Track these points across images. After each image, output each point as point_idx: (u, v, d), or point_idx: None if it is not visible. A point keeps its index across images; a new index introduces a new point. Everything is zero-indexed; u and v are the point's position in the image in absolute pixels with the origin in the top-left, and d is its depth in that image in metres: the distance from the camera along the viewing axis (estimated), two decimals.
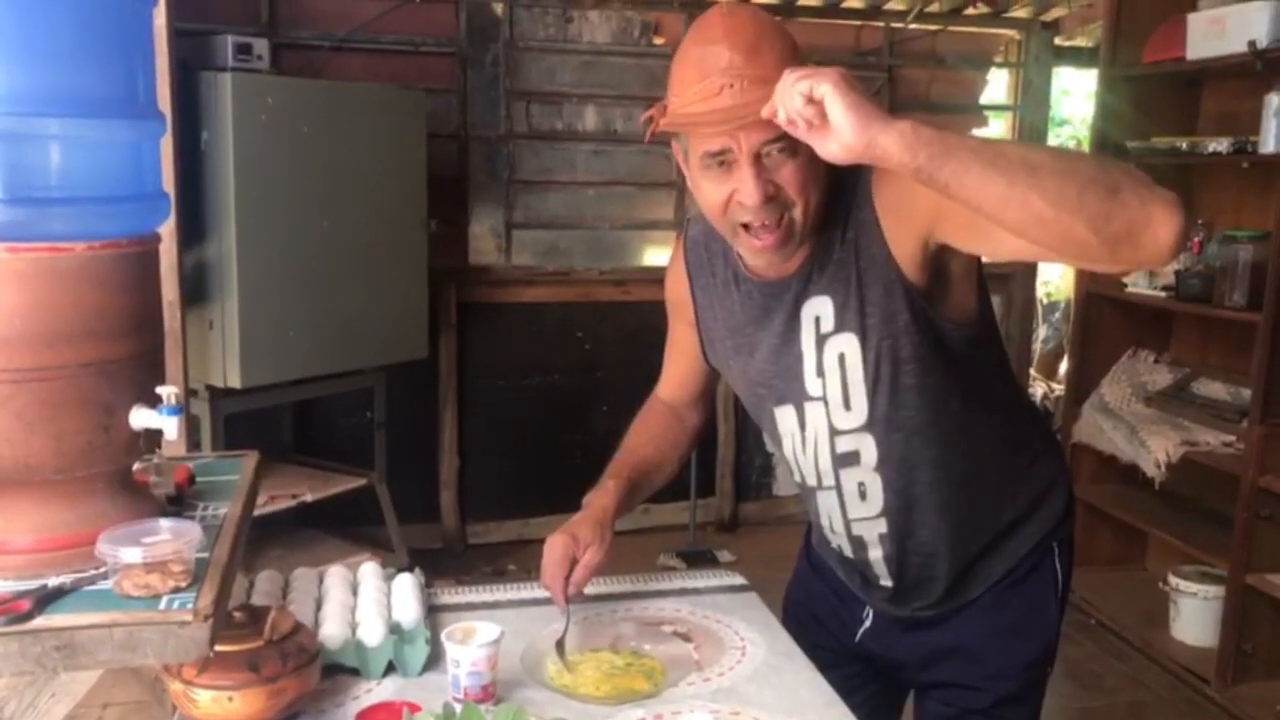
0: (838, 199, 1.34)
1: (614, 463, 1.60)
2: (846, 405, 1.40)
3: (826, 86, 1.06)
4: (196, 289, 3.16)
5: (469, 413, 4.32)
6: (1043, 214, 1.05)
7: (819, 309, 1.38)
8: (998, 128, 5.09)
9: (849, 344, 1.36)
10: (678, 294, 1.58)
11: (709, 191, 1.30)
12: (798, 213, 1.29)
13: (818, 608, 1.66)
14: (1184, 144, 3.46)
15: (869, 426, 1.40)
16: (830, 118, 1.07)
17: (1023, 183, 1.05)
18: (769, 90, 1.13)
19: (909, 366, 1.35)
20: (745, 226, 1.30)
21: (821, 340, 1.38)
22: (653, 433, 1.66)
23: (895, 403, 1.37)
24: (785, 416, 1.47)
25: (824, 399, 1.41)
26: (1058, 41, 4.85)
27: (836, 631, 1.62)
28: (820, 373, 1.40)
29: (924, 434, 1.39)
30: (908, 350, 1.34)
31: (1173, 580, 3.43)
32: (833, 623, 1.63)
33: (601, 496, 1.53)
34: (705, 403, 1.71)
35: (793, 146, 1.23)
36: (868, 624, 1.59)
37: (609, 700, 1.34)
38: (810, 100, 1.08)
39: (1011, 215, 1.07)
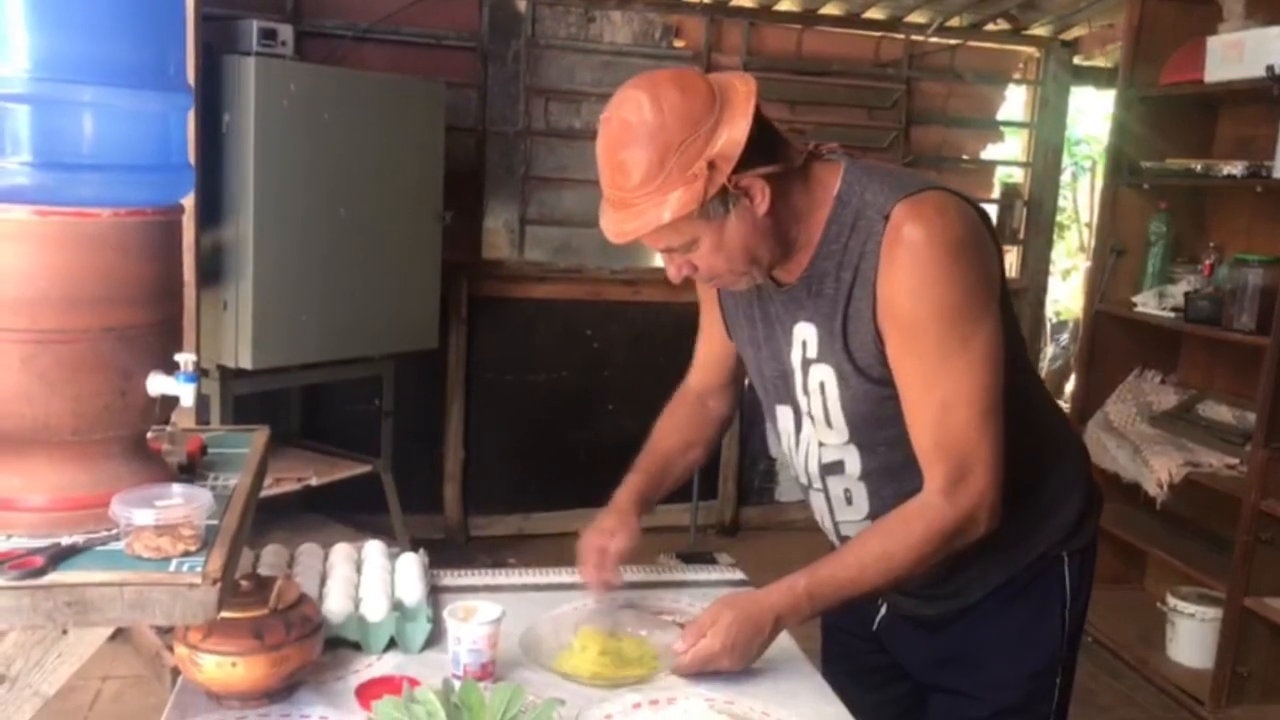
0: (841, 227, 1.34)
1: (638, 458, 1.68)
2: (829, 424, 1.43)
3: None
4: (212, 270, 3.18)
5: (476, 406, 4.34)
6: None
7: (806, 334, 1.41)
8: (1014, 145, 5.10)
9: (828, 376, 1.39)
10: None
11: None
12: (728, 277, 1.35)
13: None
14: (1198, 166, 3.46)
15: (851, 442, 1.43)
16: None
17: (886, 586, 1.41)
18: (637, 210, 1.26)
19: (889, 401, 1.36)
20: None
21: (807, 364, 1.42)
22: (677, 422, 1.72)
23: (876, 425, 1.40)
24: (785, 416, 1.51)
25: (809, 414, 1.45)
26: (1076, 61, 4.86)
27: (861, 617, 1.62)
28: (806, 391, 1.43)
29: (908, 448, 1.39)
30: (887, 391, 1.36)
31: (1171, 601, 3.43)
32: (857, 608, 1.60)
33: (622, 491, 1.62)
34: (732, 389, 1.73)
35: (688, 245, 1.31)
36: (882, 612, 1.61)
37: (602, 682, 1.36)
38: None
39: None
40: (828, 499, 1.50)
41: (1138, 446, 3.49)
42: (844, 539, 1.51)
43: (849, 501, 1.48)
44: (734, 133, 1.25)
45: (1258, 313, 3.10)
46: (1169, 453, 3.39)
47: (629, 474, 1.65)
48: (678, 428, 1.71)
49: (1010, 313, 1.42)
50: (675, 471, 1.69)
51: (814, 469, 1.49)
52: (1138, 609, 3.70)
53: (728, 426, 1.77)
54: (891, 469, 1.41)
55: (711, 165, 1.24)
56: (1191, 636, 3.38)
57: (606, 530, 1.56)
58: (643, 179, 1.25)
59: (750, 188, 1.28)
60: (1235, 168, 3.28)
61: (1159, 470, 3.35)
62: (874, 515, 1.46)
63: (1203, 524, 3.52)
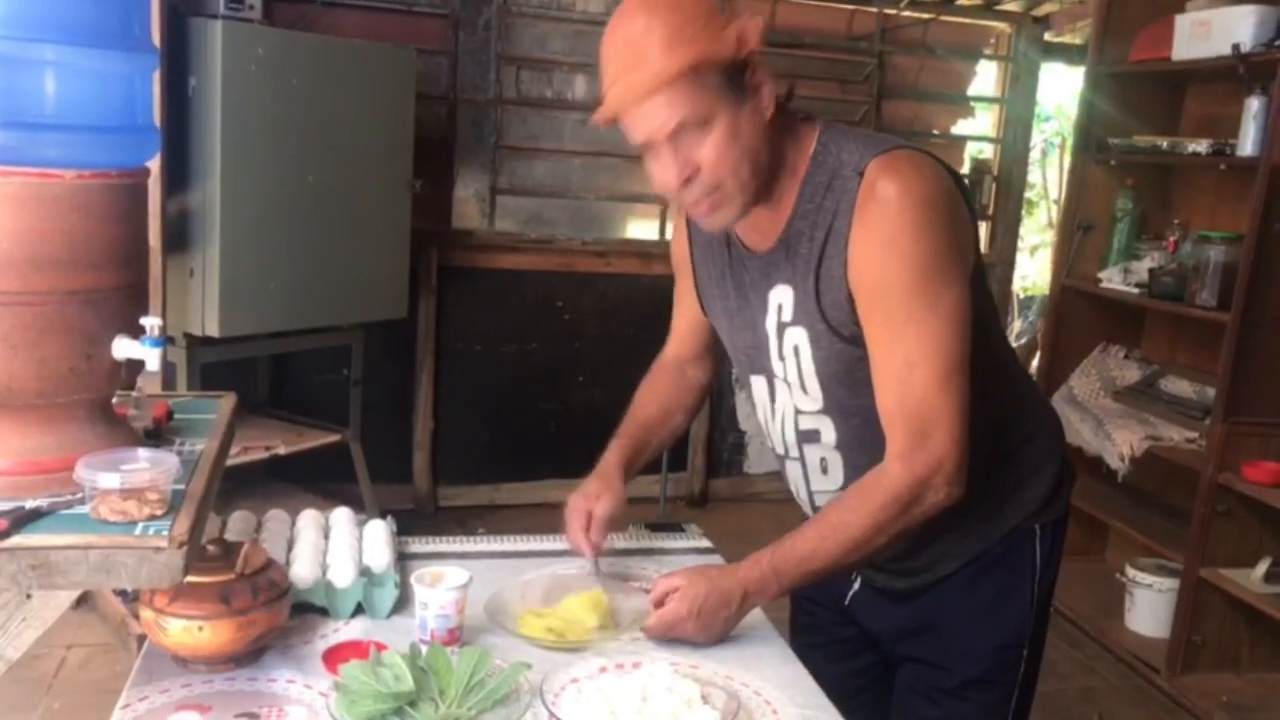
0: (816, 186, 1.35)
1: (620, 425, 1.69)
2: (804, 390, 1.43)
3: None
4: (178, 236, 3.15)
5: (445, 376, 4.33)
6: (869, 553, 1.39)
7: (782, 297, 1.41)
8: (984, 121, 5.12)
9: (802, 338, 1.40)
10: (680, 252, 1.62)
11: (653, 176, 1.35)
12: (729, 186, 1.32)
13: None
14: (1165, 143, 3.50)
15: (826, 411, 1.43)
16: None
17: (848, 556, 1.38)
18: (649, 73, 1.24)
19: (861, 363, 1.36)
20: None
21: (782, 327, 1.42)
22: (656, 392, 1.73)
23: (851, 392, 1.40)
24: (759, 386, 1.51)
25: (785, 380, 1.45)
26: (1047, 37, 4.88)
27: (830, 591, 1.63)
28: (781, 356, 1.44)
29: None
30: (860, 352, 1.36)
31: (1130, 572, 3.49)
32: (827, 582, 1.60)
33: (606, 456, 1.64)
34: (710, 358, 1.74)
35: (705, 120, 1.28)
36: (856, 587, 1.61)
37: (568, 646, 1.38)
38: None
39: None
40: (804, 468, 1.51)
41: (1101, 420, 3.55)
42: (817, 509, 1.51)
43: (824, 471, 1.49)
44: (752, 29, 1.27)
45: (1219, 289, 3.15)
46: (1131, 426, 3.44)
47: (612, 440, 1.66)
48: (657, 397, 1.72)
49: (985, 285, 1.43)
50: (658, 438, 1.71)
51: (791, 437, 1.49)
52: (1099, 580, 3.76)
53: (708, 393, 1.79)
54: (865, 441, 1.41)
55: (738, 38, 1.26)
56: (1149, 606, 3.44)
57: (592, 494, 1.57)
58: (666, 39, 1.24)
59: (761, 85, 1.30)
60: (1200, 145, 3.32)
61: (1121, 444, 3.40)
62: (848, 484, 1.46)
63: (1163, 497, 3.58)
